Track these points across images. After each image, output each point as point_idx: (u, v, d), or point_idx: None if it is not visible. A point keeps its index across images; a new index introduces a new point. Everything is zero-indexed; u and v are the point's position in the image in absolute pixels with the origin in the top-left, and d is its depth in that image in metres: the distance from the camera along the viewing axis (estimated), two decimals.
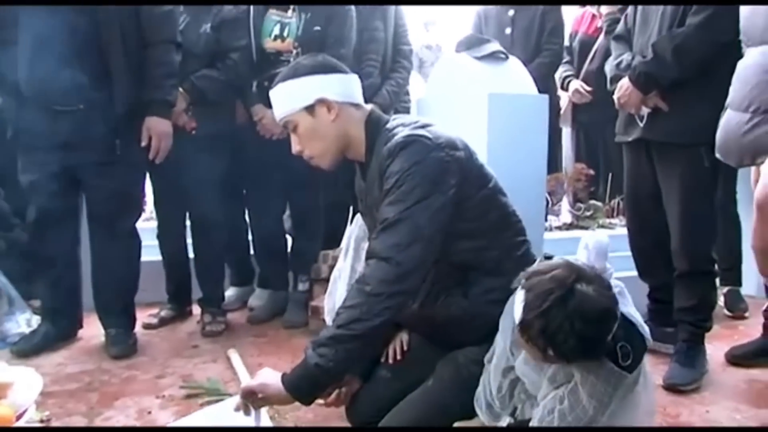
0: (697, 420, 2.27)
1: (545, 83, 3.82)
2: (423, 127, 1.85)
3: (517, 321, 1.50)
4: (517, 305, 1.51)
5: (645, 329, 1.57)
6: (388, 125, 1.93)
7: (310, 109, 1.91)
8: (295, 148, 1.99)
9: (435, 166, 1.77)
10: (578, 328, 1.41)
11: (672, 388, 2.50)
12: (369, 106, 2.03)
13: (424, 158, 1.76)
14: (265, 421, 2.04)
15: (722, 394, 2.49)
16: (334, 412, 2.21)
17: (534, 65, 3.85)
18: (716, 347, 2.87)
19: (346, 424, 2.15)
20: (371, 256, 1.77)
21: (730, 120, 1.12)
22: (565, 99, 4.47)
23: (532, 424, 1.63)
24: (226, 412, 1.83)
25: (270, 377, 1.78)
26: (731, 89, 1.14)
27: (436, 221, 1.75)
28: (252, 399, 1.79)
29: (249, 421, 1.80)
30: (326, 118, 1.92)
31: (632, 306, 1.62)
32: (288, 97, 1.93)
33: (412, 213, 1.73)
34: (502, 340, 1.75)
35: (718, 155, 1.20)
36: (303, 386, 1.74)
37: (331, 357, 1.70)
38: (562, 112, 4.45)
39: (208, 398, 2.40)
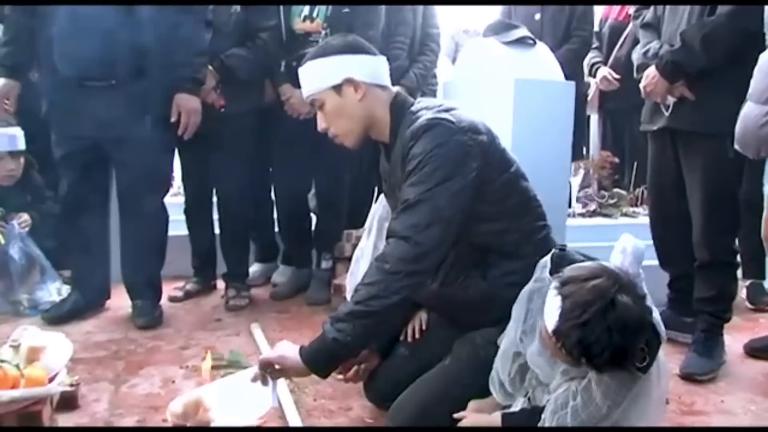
0: (712, 409, 2.28)
1: (573, 69, 3.81)
2: (447, 110, 1.87)
3: (552, 328, 1.49)
4: (551, 311, 1.50)
5: (660, 326, 1.56)
6: (413, 108, 1.95)
7: (337, 88, 1.95)
8: (321, 125, 2.03)
9: (457, 149, 1.79)
10: (616, 341, 1.41)
11: (688, 377, 2.51)
12: (395, 89, 2.06)
13: (446, 141, 1.79)
14: (284, 393, 2.10)
15: (738, 385, 2.49)
16: (353, 387, 2.26)
17: (562, 51, 3.83)
18: (736, 339, 2.87)
19: (364, 400, 2.20)
20: (391, 235, 1.80)
21: (750, 112, 1.13)
22: (593, 86, 4.44)
23: (545, 415, 1.64)
24: (243, 383, 1.87)
25: (288, 350, 1.83)
26: (752, 81, 1.15)
27: (456, 203, 1.78)
28: (270, 370, 1.84)
29: (266, 392, 1.84)
30: (353, 97, 1.95)
31: (650, 301, 1.62)
32: (316, 75, 1.97)
33: (433, 194, 1.76)
34: (513, 329, 1.76)
35: (737, 147, 1.20)
36: (320, 359, 1.79)
37: (348, 332, 1.74)
38: (589, 98, 4.42)
39: (229, 370, 2.46)
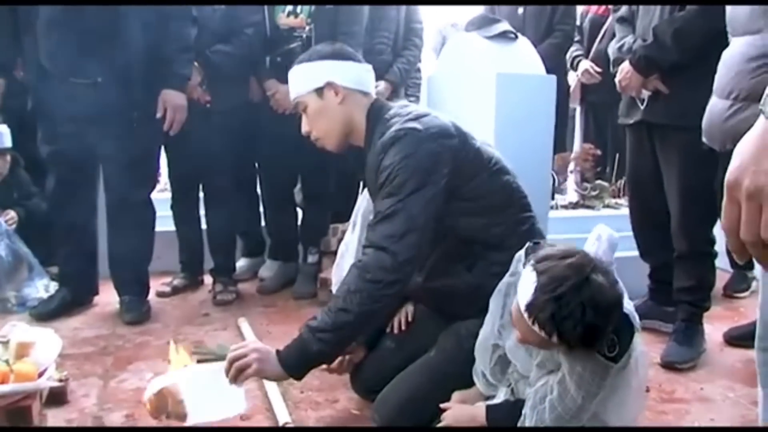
0: (691, 397, 2.33)
1: (556, 63, 3.85)
2: (416, 118, 1.91)
3: (525, 302, 1.50)
4: (526, 286, 1.51)
5: (635, 317, 1.59)
6: (387, 115, 2.00)
7: (319, 91, 2.04)
8: (305, 128, 2.11)
9: (426, 157, 1.83)
10: (588, 317, 1.43)
11: (669, 365, 2.56)
12: (375, 96, 2.10)
13: (415, 151, 1.83)
14: (270, 385, 2.13)
15: (718, 373, 2.54)
16: (339, 379, 2.30)
17: (545, 45, 3.87)
18: (716, 328, 2.92)
19: (350, 392, 2.24)
20: (369, 245, 1.84)
21: (714, 106, 1.17)
22: (574, 79, 4.48)
23: (525, 410, 1.67)
24: (215, 376, 1.82)
25: (264, 351, 1.83)
26: (716, 76, 1.19)
27: (430, 210, 1.82)
28: (242, 368, 1.81)
29: (238, 392, 1.81)
30: (333, 101, 2.03)
31: (624, 291, 1.63)
32: (301, 79, 2.06)
33: (406, 204, 1.80)
34: (490, 322, 1.80)
35: (704, 140, 1.24)
36: (301, 366, 1.84)
37: (331, 341, 1.81)
38: (571, 91, 4.47)
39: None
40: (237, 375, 1.80)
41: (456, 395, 1.91)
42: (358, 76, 2.07)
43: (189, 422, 1.76)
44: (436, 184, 1.83)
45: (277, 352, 1.84)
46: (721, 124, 1.15)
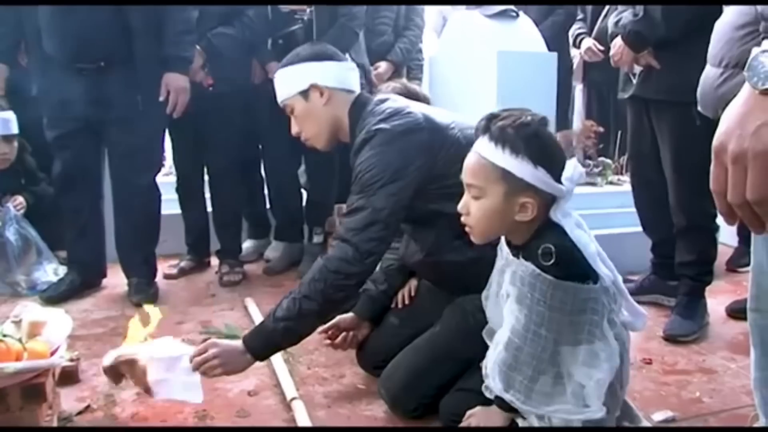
0: (694, 368, 2.36)
1: (558, 41, 3.85)
2: (386, 118, 1.93)
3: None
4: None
5: (594, 262, 1.57)
6: (365, 112, 2.03)
7: (304, 93, 2.07)
8: (294, 129, 2.16)
9: (394, 155, 1.87)
10: (531, 128, 1.55)
11: (671, 338, 2.59)
12: (358, 92, 2.13)
13: (384, 150, 1.88)
14: (278, 362, 2.16)
15: (719, 345, 2.57)
16: (346, 355, 2.34)
17: (547, 23, 3.87)
18: (719, 301, 2.94)
19: (356, 367, 2.27)
20: (336, 237, 1.92)
21: (707, 74, 1.18)
22: (577, 56, 4.47)
23: (491, 350, 1.68)
24: (178, 357, 1.84)
25: (227, 351, 1.86)
26: (710, 44, 1.21)
27: (395, 204, 1.86)
28: (207, 364, 1.84)
29: (196, 382, 1.83)
30: (318, 102, 2.07)
31: (593, 242, 1.63)
32: (286, 82, 2.11)
33: (370, 199, 1.85)
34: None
35: (699, 108, 1.26)
36: (268, 353, 1.93)
37: (295, 328, 1.87)
38: (573, 69, 4.46)
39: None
40: (196, 365, 1.84)
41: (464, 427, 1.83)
42: (340, 74, 2.11)
43: (155, 397, 1.83)
44: (405, 178, 1.86)
45: (243, 341, 1.88)
46: (713, 92, 1.17)
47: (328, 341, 2.19)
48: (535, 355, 1.57)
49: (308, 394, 2.13)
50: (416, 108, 1.99)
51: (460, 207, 1.63)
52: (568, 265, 1.54)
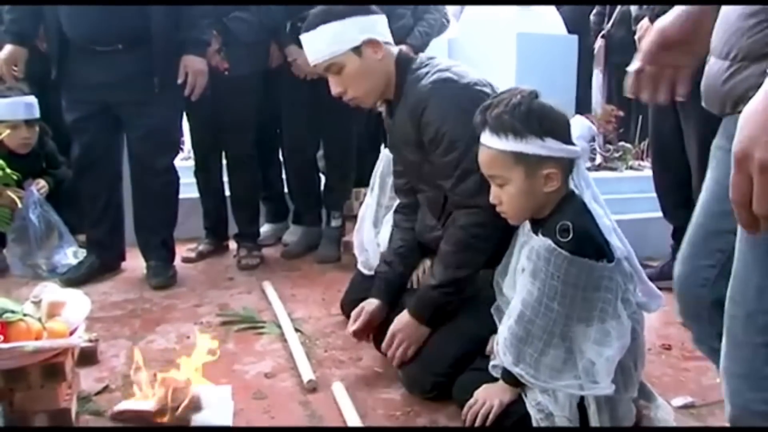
0: None
1: (579, 24, 3.80)
2: (447, 68, 1.92)
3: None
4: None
5: (609, 235, 1.61)
6: (414, 65, 2.00)
7: (357, 50, 1.98)
8: (336, 89, 2.05)
9: (469, 105, 1.81)
10: (535, 104, 1.60)
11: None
12: (397, 46, 2.09)
13: (456, 102, 1.85)
14: (295, 345, 2.16)
15: None
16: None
17: (568, 6, 3.82)
18: None
19: (373, 350, 2.26)
20: (459, 206, 1.91)
21: (712, 67, 1.12)
22: (598, 41, 4.42)
23: (502, 325, 1.70)
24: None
25: (407, 329, 2.00)
26: (713, 36, 1.15)
27: None
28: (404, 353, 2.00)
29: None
30: (373, 57, 1.99)
31: (608, 217, 1.67)
32: (332, 40, 1.98)
33: (469, 158, 1.82)
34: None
35: (703, 104, 1.22)
36: (432, 314, 2.00)
37: (453, 293, 1.96)
38: (595, 53, 4.41)
39: (242, 325, 2.54)
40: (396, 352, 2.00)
41: (493, 338, 1.88)
42: (384, 28, 2.04)
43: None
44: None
45: (413, 314, 1.99)
46: (720, 87, 1.12)
47: (350, 331, 2.17)
48: (546, 328, 1.59)
49: (325, 376, 2.13)
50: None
51: (492, 199, 1.68)
52: (584, 241, 1.57)
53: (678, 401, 1.96)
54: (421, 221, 2.16)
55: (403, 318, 2.03)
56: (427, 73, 1.94)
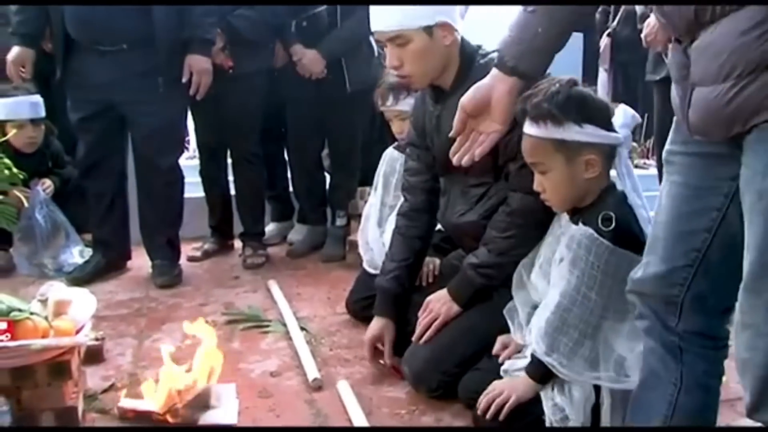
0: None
1: (584, 22, 3.79)
2: None
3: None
4: None
5: (646, 227, 1.62)
6: (480, 55, 1.99)
7: (428, 29, 1.93)
8: (394, 62, 1.99)
9: None
10: (574, 91, 1.63)
11: None
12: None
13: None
14: (300, 344, 2.16)
15: None
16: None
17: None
18: None
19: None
20: (516, 189, 1.90)
21: (708, 95, 1.09)
22: (604, 39, 4.42)
23: (536, 315, 1.70)
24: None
25: (443, 305, 2.02)
26: (693, 69, 1.13)
27: None
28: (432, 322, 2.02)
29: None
30: (442, 41, 1.95)
31: (644, 208, 1.70)
32: (406, 12, 1.92)
33: None
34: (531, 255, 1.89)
35: (695, 137, 1.21)
36: (469, 296, 2.02)
37: (493, 276, 1.97)
38: (600, 52, 4.41)
39: (248, 324, 2.55)
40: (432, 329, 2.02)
41: (501, 339, 1.91)
42: (458, 17, 1.99)
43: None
44: None
45: (450, 291, 2.02)
46: (723, 109, 1.10)
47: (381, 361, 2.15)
48: (583, 318, 1.60)
49: (330, 375, 2.13)
50: None
51: (535, 186, 1.71)
52: (625, 233, 1.60)
53: None
54: (449, 206, 2.12)
55: (441, 293, 2.05)
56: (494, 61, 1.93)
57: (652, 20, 2.59)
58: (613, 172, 1.73)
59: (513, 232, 1.91)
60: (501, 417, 1.70)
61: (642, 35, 2.68)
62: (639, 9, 2.76)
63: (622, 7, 4.26)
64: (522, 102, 1.61)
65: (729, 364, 2.19)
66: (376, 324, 2.15)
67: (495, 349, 1.91)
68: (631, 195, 1.69)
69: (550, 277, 1.74)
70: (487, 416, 1.71)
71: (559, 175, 1.65)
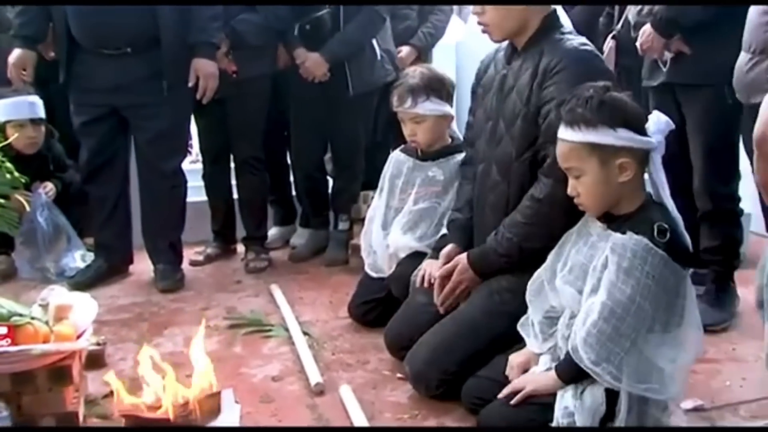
0: (723, 357, 2.32)
1: (588, 27, 3.77)
2: (592, 49, 1.99)
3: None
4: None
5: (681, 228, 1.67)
6: (563, 28, 2.02)
7: None
8: (476, 9, 2.05)
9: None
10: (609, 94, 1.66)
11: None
12: (401, 47, 2.07)
13: (591, 77, 1.80)
14: (303, 349, 2.15)
15: (750, 334, 2.51)
16: (370, 341, 2.34)
17: (577, 10, 3.80)
18: (750, 290, 2.85)
19: (381, 353, 2.27)
20: (548, 175, 1.88)
21: (739, 60, 1.17)
22: (608, 42, 4.39)
23: (575, 326, 1.67)
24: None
25: (464, 273, 2.05)
26: (744, 31, 1.18)
27: None
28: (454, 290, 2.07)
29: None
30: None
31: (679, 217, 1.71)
32: None
33: None
34: (549, 260, 1.86)
35: (737, 94, 1.24)
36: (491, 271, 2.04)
37: (515, 260, 1.98)
38: (604, 56, 4.38)
39: (249, 328, 2.54)
40: (450, 295, 2.07)
41: (513, 358, 1.88)
42: None
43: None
44: None
45: (471, 264, 2.05)
46: (744, 77, 1.16)
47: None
48: (636, 327, 1.60)
49: (332, 379, 2.13)
50: None
51: (569, 191, 1.72)
52: (678, 246, 1.63)
53: (688, 404, 1.95)
54: (482, 175, 2.13)
55: (463, 266, 2.06)
56: (571, 41, 1.95)
57: (647, 28, 2.60)
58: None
59: (537, 219, 1.91)
60: (513, 402, 1.71)
61: (637, 43, 2.69)
62: (633, 18, 2.77)
63: (626, 9, 4.24)
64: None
65: (732, 366, 2.22)
66: (451, 247, 2.20)
67: (510, 374, 1.85)
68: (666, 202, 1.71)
69: (580, 284, 1.72)
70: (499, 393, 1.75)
71: (593, 178, 1.67)
